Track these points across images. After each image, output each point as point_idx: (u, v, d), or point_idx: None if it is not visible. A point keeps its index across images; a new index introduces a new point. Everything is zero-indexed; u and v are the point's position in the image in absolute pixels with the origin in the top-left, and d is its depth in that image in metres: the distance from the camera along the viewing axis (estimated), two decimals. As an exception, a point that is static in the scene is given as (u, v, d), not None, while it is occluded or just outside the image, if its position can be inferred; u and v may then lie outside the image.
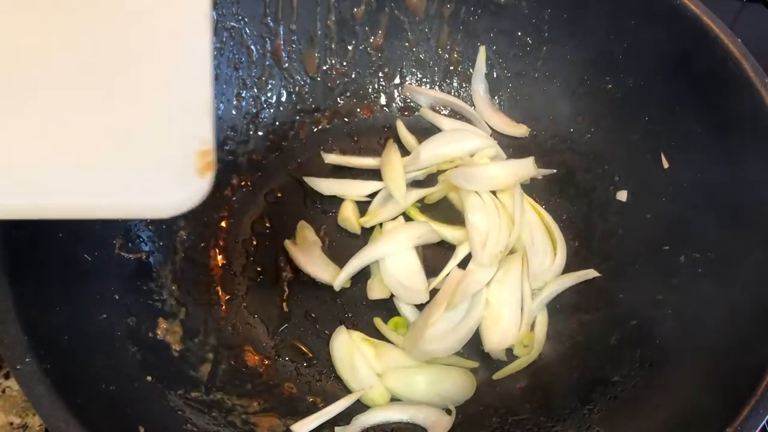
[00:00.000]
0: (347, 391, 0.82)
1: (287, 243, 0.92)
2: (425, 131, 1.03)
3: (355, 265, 0.88)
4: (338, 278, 0.87)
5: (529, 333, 0.85)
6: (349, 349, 0.83)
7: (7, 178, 0.49)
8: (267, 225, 0.95)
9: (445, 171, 0.97)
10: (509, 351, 0.86)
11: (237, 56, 0.96)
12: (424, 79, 1.06)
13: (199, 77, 0.51)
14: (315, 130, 1.03)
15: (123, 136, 0.51)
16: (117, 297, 0.75)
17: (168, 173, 0.52)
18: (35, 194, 0.50)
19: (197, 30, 0.51)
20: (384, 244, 0.88)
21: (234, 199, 0.96)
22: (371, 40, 1.02)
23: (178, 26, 0.51)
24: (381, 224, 0.94)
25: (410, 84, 1.05)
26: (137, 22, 0.50)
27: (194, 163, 0.51)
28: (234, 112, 0.98)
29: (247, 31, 0.95)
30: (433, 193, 0.97)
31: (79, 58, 0.50)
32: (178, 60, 0.51)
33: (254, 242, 0.93)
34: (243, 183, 0.97)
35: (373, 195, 0.97)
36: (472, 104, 1.04)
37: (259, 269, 0.91)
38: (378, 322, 0.87)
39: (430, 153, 0.97)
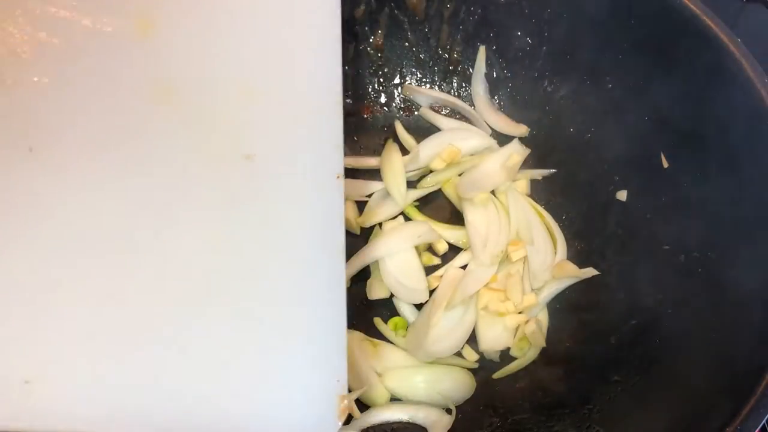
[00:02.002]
0: (347, 390, 0.82)
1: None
2: (425, 131, 1.03)
3: (355, 265, 0.88)
4: None
5: (527, 333, 0.85)
6: (349, 349, 0.83)
7: (196, 411, 0.50)
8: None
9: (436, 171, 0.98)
10: (504, 352, 0.86)
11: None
12: (424, 79, 1.06)
13: (338, 332, 0.55)
14: (315, 130, 1.03)
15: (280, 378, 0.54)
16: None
17: (315, 413, 0.54)
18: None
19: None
20: (384, 243, 0.88)
21: (234, 199, 0.96)
22: (371, 40, 1.02)
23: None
24: (380, 224, 0.94)
25: (410, 84, 1.05)
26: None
27: (336, 406, 0.54)
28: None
29: (247, 31, 0.95)
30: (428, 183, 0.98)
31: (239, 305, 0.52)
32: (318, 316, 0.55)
33: (254, 242, 0.93)
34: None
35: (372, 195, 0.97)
36: (472, 104, 1.04)
37: (259, 269, 0.91)
38: (378, 322, 0.87)
39: (429, 152, 0.97)
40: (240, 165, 0.51)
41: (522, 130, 1.01)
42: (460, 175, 0.97)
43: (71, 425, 0.47)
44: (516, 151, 0.98)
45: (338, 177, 0.54)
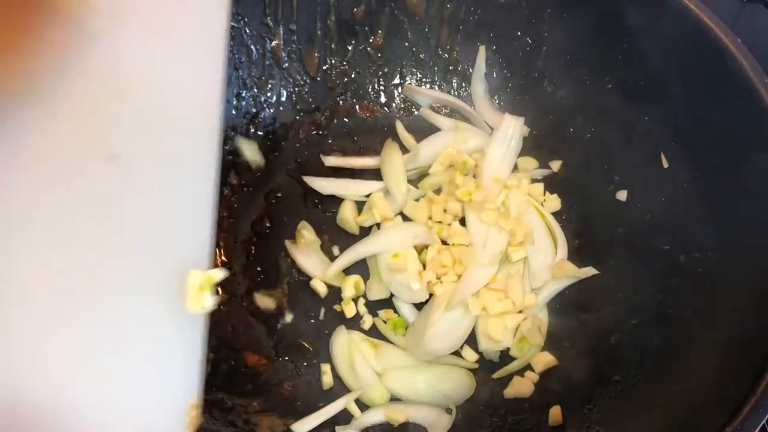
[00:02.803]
0: (347, 390, 0.82)
1: (287, 243, 0.92)
2: (425, 131, 1.03)
3: (347, 258, 0.88)
4: (330, 269, 0.88)
5: (527, 334, 0.85)
6: (349, 349, 0.83)
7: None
8: (267, 225, 0.95)
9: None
10: (504, 352, 0.86)
11: (237, 56, 0.96)
12: (424, 79, 1.06)
13: (192, 340, 0.55)
14: (315, 130, 1.03)
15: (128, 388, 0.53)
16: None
17: (163, 421, 0.53)
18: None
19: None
20: (380, 239, 0.89)
21: (234, 199, 0.96)
22: (371, 40, 1.02)
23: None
24: (378, 224, 0.94)
25: (410, 84, 1.05)
26: None
27: (186, 415, 0.54)
28: (234, 112, 0.98)
29: (247, 31, 0.95)
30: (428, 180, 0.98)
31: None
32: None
33: (254, 242, 0.93)
34: (243, 183, 0.97)
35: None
36: (472, 104, 1.04)
37: (259, 269, 0.91)
38: (378, 322, 0.87)
39: (429, 152, 0.97)
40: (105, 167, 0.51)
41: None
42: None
43: None
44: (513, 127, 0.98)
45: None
